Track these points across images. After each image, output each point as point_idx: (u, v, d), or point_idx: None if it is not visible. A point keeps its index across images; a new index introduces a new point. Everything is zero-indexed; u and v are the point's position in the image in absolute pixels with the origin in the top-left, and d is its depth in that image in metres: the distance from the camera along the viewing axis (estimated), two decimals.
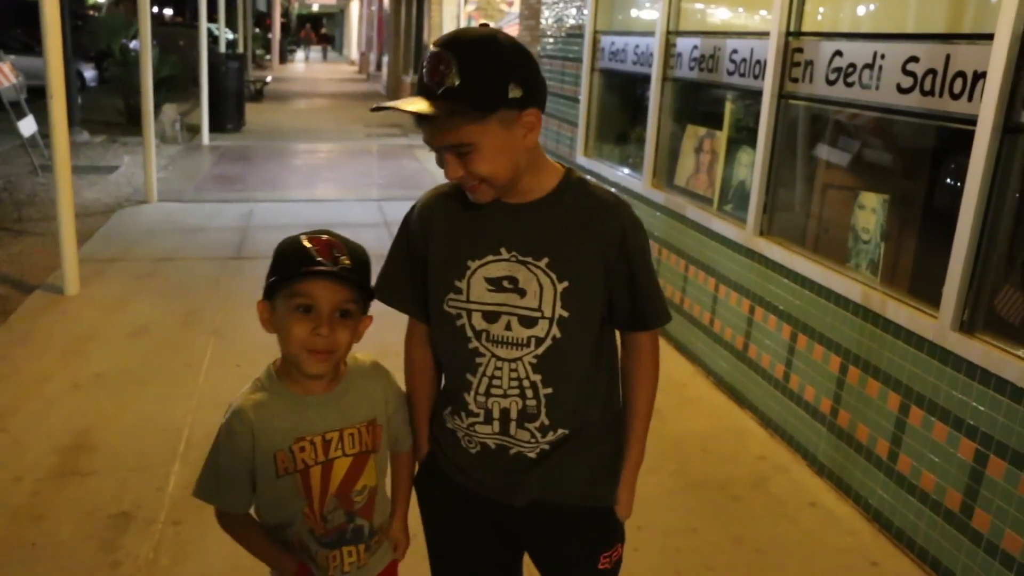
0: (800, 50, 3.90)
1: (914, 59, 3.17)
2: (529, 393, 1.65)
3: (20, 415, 3.98)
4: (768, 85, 4.08)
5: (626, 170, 6.21)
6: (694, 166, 5.21)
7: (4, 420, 3.91)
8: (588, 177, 1.73)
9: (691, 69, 5.03)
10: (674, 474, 3.65)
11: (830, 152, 4.01)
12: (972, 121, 2.89)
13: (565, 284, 1.61)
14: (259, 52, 25.70)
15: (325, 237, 1.65)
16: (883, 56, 3.33)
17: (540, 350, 1.63)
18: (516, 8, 14.37)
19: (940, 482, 3.03)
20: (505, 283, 1.62)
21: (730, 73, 4.58)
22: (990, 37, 2.81)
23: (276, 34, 34.94)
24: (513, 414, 1.67)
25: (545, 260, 1.61)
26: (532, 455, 1.69)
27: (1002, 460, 2.78)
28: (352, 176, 10.69)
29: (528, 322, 1.62)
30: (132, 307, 5.52)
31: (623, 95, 6.59)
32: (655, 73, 5.45)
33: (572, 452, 1.71)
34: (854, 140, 3.84)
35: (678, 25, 5.30)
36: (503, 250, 1.63)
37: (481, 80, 1.49)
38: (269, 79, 22.02)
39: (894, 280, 3.42)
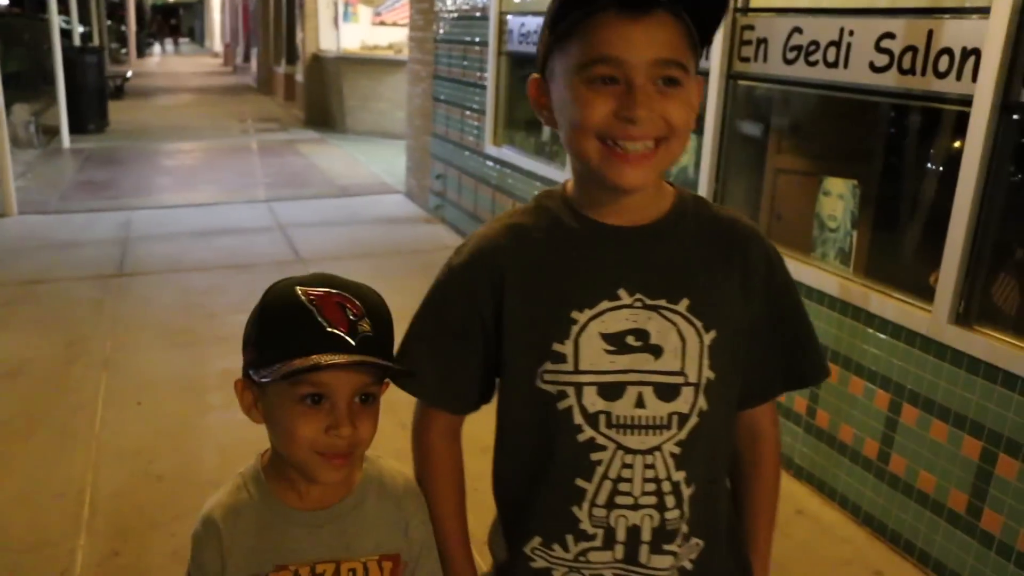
0: (751, 27, 3.67)
1: (889, 35, 2.97)
2: (670, 501, 1.20)
3: None
4: (715, 65, 3.82)
5: (543, 159, 5.91)
6: None
7: None
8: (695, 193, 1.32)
9: None
10: None
11: (785, 135, 3.81)
12: (963, 101, 2.71)
13: (713, 334, 1.18)
14: (114, 46, 24.19)
15: (335, 293, 1.19)
16: (852, 33, 3.12)
17: (684, 433, 1.18)
18: None
19: (941, 483, 2.86)
20: (631, 339, 1.17)
21: None
22: (984, 11, 2.63)
23: (131, 26, 33.08)
24: (645, 534, 1.20)
25: (685, 302, 1.18)
26: None
27: (1014, 459, 2.62)
28: (234, 176, 10.03)
29: (668, 392, 1.17)
30: (0, 343, 4.83)
31: None
32: None
33: None
34: (814, 122, 3.64)
35: None
36: (623, 292, 1.17)
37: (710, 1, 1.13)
38: (129, 74, 20.74)
39: (870, 271, 3.24)
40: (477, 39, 6.77)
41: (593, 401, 1.17)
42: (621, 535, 1.20)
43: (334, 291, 1.20)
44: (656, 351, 1.17)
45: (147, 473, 3.43)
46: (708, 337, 1.18)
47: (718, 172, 3.96)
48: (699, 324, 1.18)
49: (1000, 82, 2.58)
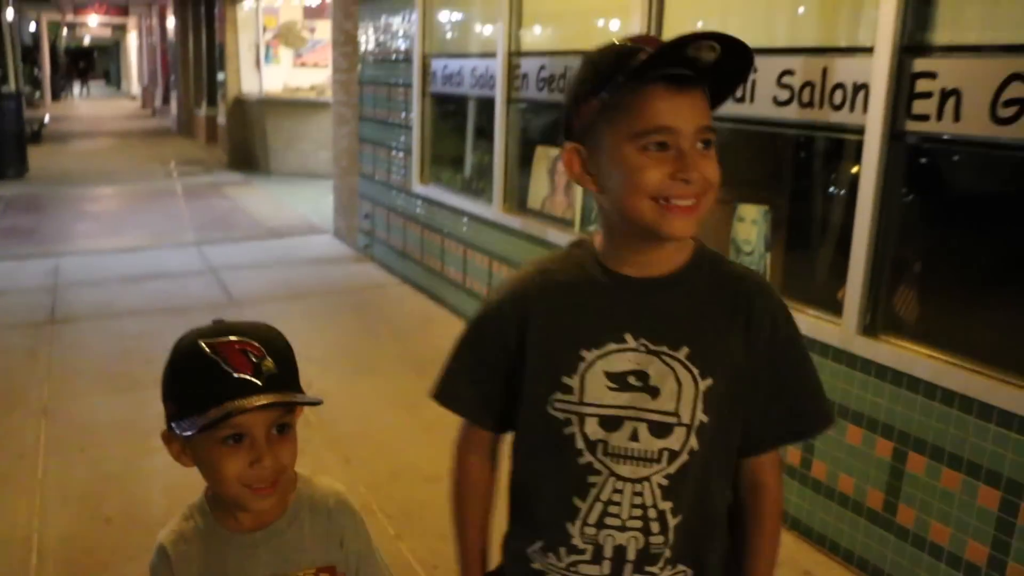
0: None
1: (789, 72, 3.23)
2: (655, 527, 1.31)
3: None
4: None
5: (470, 196, 6.08)
6: (549, 188, 5.15)
7: None
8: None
9: (539, 89, 4.97)
10: None
11: None
12: (857, 130, 2.96)
13: (709, 382, 1.30)
14: (27, 89, 23.73)
15: (234, 340, 1.29)
16: (755, 70, 3.37)
17: (672, 468, 1.30)
18: (318, 35, 14.04)
19: (859, 483, 3.07)
20: (632, 379, 1.30)
21: None
22: (868, 50, 2.89)
23: (46, 70, 32.46)
24: (631, 554, 1.32)
25: (684, 350, 1.30)
26: None
27: (921, 455, 2.85)
28: (161, 220, 9.98)
29: (661, 430, 1.30)
30: None
31: (460, 119, 6.47)
32: (499, 95, 5.36)
33: None
34: (725, 153, 3.88)
35: (520, 46, 5.23)
36: (628, 337, 1.31)
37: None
38: (47, 119, 20.38)
39: (784, 290, 3.47)
40: (401, 81, 6.94)
41: (594, 430, 1.31)
42: (608, 552, 1.33)
43: (234, 338, 1.29)
44: (654, 392, 1.30)
45: (94, 516, 3.46)
46: (704, 384, 1.30)
47: None
48: (696, 371, 1.30)
49: (887, 113, 2.84)
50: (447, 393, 1.48)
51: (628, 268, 1.34)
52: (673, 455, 1.30)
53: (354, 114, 8.13)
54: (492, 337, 1.42)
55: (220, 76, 15.76)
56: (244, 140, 14.95)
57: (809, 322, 3.20)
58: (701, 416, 1.30)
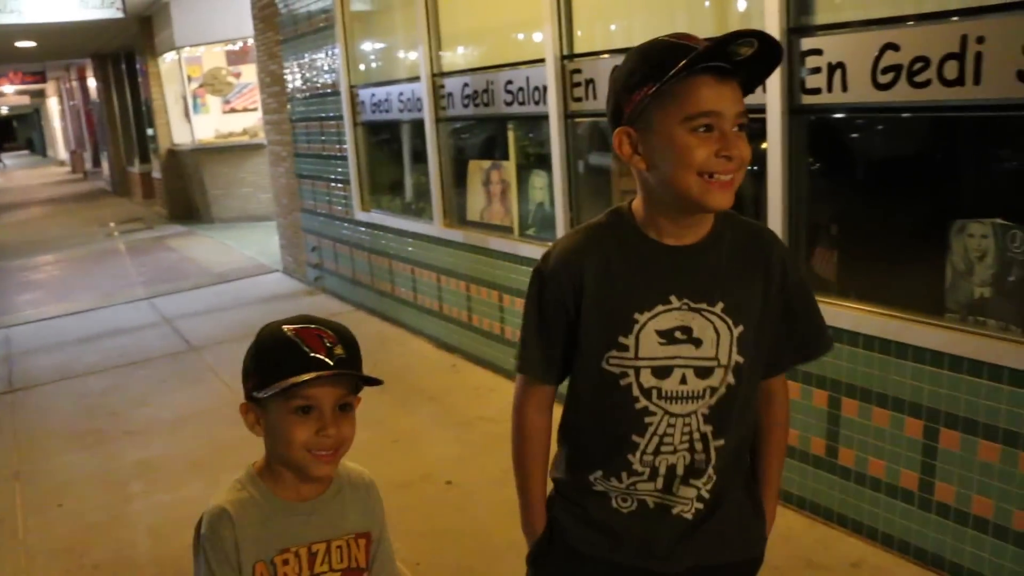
0: (579, 71, 4.14)
1: None
2: (699, 447, 1.56)
3: None
4: (553, 108, 4.29)
5: (411, 217, 6.27)
6: (485, 199, 5.36)
7: None
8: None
9: (465, 106, 5.18)
10: None
11: (622, 160, 4.26)
12: (759, 109, 3.20)
13: (741, 328, 1.53)
14: None
15: (313, 327, 1.51)
16: None
17: (714, 400, 1.54)
18: (244, 79, 14.11)
19: (803, 433, 3.30)
20: (678, 334, 1.52)
21: (508, 103, 4.76)
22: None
23: None
24: (680, 470, 1.57)
25: (720, 305, 1.52)
26: (689, 516, 1.59)
27: (853, 399, 3.09)
28: (109, 279, 10.00)
29: (704, 373, 1.53)
30: None
31: (393, 144, 6.65)
32: (427, 116, 5.55)
33: (724, 511, 1.61)
34: None
35: (441, 67, 5.44)
36: (673, 298, 1.52)
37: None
38: None
39: None
40: (332, 114, 7.11)
41: (647, 379, 1.53)
42: (662, 471, 1.57)
43: (312, 326, 1.52)
44: (697, 343, 1.53)
45: (82, 566, 3.56)
46: (737, 331, 1.53)
47: (571, 201, 4.40)
48: (730, 321, 1.53)
49: (784, 90, 3.09)
50: (527, 364, 1.67)
51: (667, 238, 1.54)
52: (714, 391, 1.54)
53: (289, 152, 8.28)
54: (552, 304, 1.61)
55: (150, 131, 15.75)
56: (182, 191, 14.96)
57: None
58: (737, 357, 1.54)
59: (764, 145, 3.28)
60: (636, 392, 1.54)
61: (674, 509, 1.59)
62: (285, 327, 1.50)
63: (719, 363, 1.53)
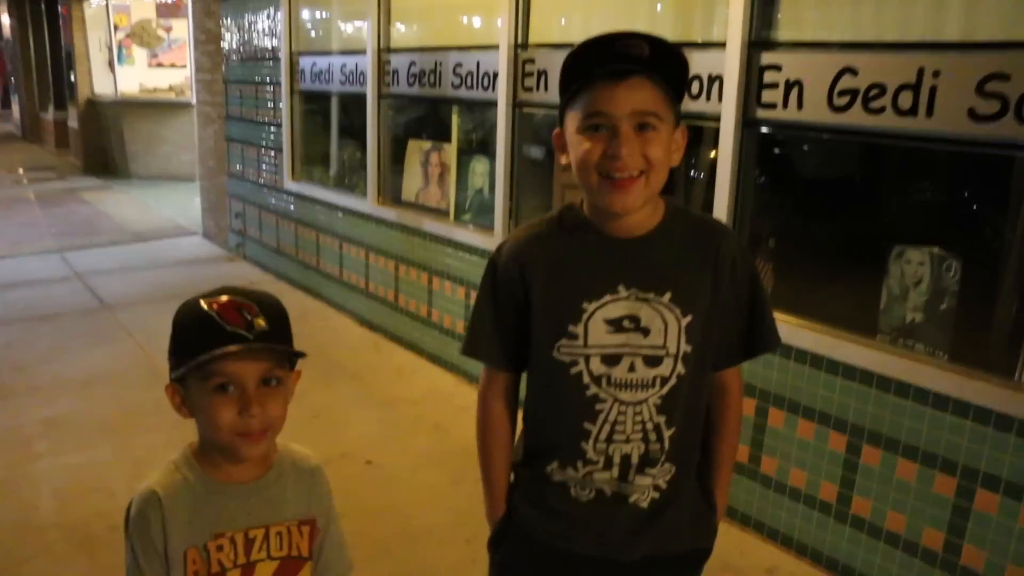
0: (532, 60, 4.12)
1: None
2: (652, 436, 1.59)
3: None
4: (502, 95, 4.26)
5: (344, 191, 6.16)
6: (422, 180, 5.30)
7: None
8: (684, 204, 1.68)
9: (410, 85, 5.11)
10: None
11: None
12: (713, 118, 3.24)
13: (688, 318, 1.55)
14: None
15: (227, 298, 1.41)
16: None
17: (665, 390, 1.57)
18: (175, 35, 13.67)
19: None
20: (626, 323, 1.55)
21: (455, 86, 4.71)
22: (721, 45, 3.18)
23: None
24: (635, 459, 1.60)
25: (668, 295, 1.54)
26: (644, 505, 1.62)
27: (780, 410, 3.16)
28: (16, 228, 9.55)
29: (653, 361, 1.55)
30: None
31: (330, 116, 6.52)
32: (370, 91, 5.46)
33: (679, 502, 1.65)
34: None
35: (389, 43, 5.35)
36: (621, 288, 1.55)
37: (675, 67, 1.48)
38: None
39: None
40: (269, 79, 6.93)
41: (597, 367, 1.56)
42: (617, 460, 1.59)
43: (232, 298, 1.42)
44: (645, 332, 1.55)
45: None
46: (685, 320, 1.55)
47: (511, 191, 4.39)
48: (678, 311, 1.55)
49: (740, 102, 3.14)
50: (472, 346, 1.71)
51: (614, 230, 1.56)
52: (664, 380, 1.57)
53: (219, 114, 8.04)
54: (504, 295, 1.65)
55: (71, 78, 15.12)
56: (99, 143, 14.40)
57: None
58: (685, 347, 1.56)
59: (713, 154, 3.33)
60: (586, 380, 1.57)
61: (631, 498, 1.62)
62: (203, 301, 1.41)
63: (667, 352, 1.55)
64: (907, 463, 2.79)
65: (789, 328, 3.09)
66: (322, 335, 5.71)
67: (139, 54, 14.00)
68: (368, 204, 5.69)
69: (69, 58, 14.80)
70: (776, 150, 3.38)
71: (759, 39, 3.13)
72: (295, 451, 1.60)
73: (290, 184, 6.79)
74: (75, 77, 14.54)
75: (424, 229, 5.12)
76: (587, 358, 1.56)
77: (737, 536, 3.32)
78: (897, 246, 2.89)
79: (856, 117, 2.81)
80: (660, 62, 1.44)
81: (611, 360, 1.55)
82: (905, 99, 2.66)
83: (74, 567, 3.13)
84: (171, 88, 13.79)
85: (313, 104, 6.65)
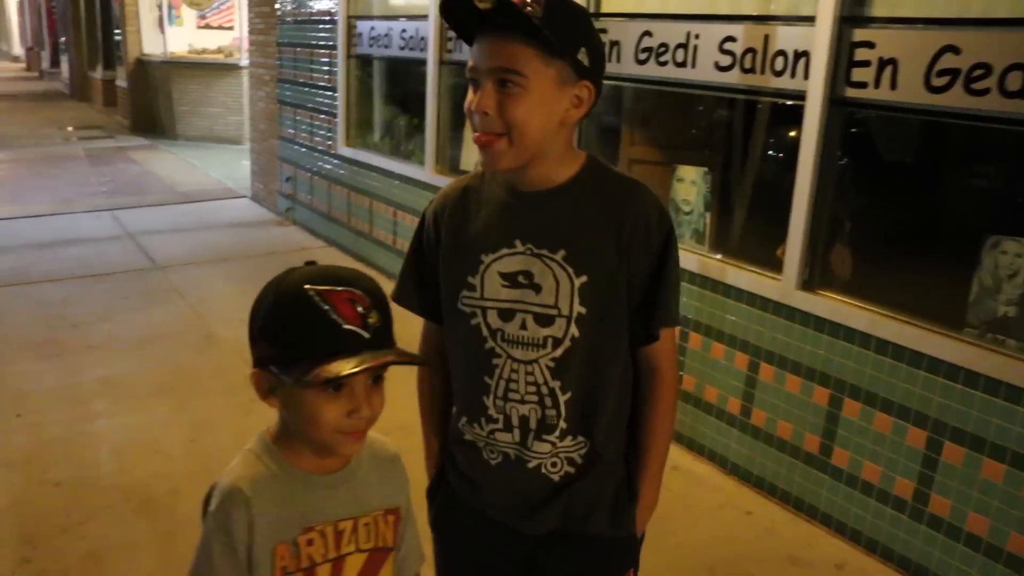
0: (604, 31, 4.01)
1: (731, 39, 3.36)
2: (548, 401, 1.55)
3: None
4: None
5: (399, 158, 6.10)
6: None
7: None
8: (609, 164, 1.62)
9: None
10: None
11: (637, 129, 4.17)
12: (798, 96, 3.12)
13: (583, 279, 1.50)
14: None
15: (344, 291, 1.26)
16: (698, 36, 3.50)
17: (558, 352, 1.52)
18: None
19: (797, 429, 3.28)
20: (520, 278, 1.52)
21: None
22: (810, 19, 3.05)
23: None
24: (532, 424, 1.56)
25: (561, 253, 1.50)
26: (555, 478, 1.58)
27: (856, 401, 3.06)
28: (67, 186, 9.61)
29: (544, 320, 1.51)
30: None
31: (387, 81, 6.45)
32: (431, 57, 5.38)
33: (595, 478, 1.60)
34: (665, 117, 4.02)
35: None
36: (518, 242, 1.52)
37: (562, 21, 1.41)
38: None
39: (724, 248, 3.64)
40: (324, 43, 6.86)
41: (493, 320, 1.54)
42: (515, 421, 1.57)
43: (340, 288, 1.27)
44: (537, 288, 1.52)
45: (43, 481, 3.41)
46: (579, 281, 1.50)
47: None
48: (571, 270, 1.50)
49: (828, 80, 3.01)
50: (399, 294, 1.68)
51: (521, 185, 1.54)
52: (557, 342, 1.53)
53: (273, 76, 8.00)
54: (424, 242, 1.65)
55: (118, 37, 15.16)
56: (147, 103, 14.44)
57: (750, 277, 3.38)
58: (579, 308, 1.51)
59: (795, 133, 3.21)
60: (484, 332, 1.55)
61: (530, 464, 1.58)
62: (308, 287, 1.26)
63: (559, 312, 1.51)
64: (994, 464, 2.68)
65: (870, 317, 2.99)
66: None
67: (188, 15, 13.99)
68: (425, 172, 5.62)
69: (120, 18, 14.81)
70: (862, 131, 3.25)
71: (851, 14, 2.99)
72: (373, 438, 1.46)
73: (344, 149, 6.73)
74: (124, 36, 14.57)
75: None
76: (484, 310, 1.55)
77: (804, 528, 3.23)
78: (992, 236, 2.77)
79: (956, 99, 2.67)
80: (549, 16, 1.38)
81: (505, 315, 1.54)
82: (1014, 80, 2.52)
83: (136, 528, 3.13)
84: (220, 50, 13.77)
85: (369, 69, 6.57)
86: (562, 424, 1.56)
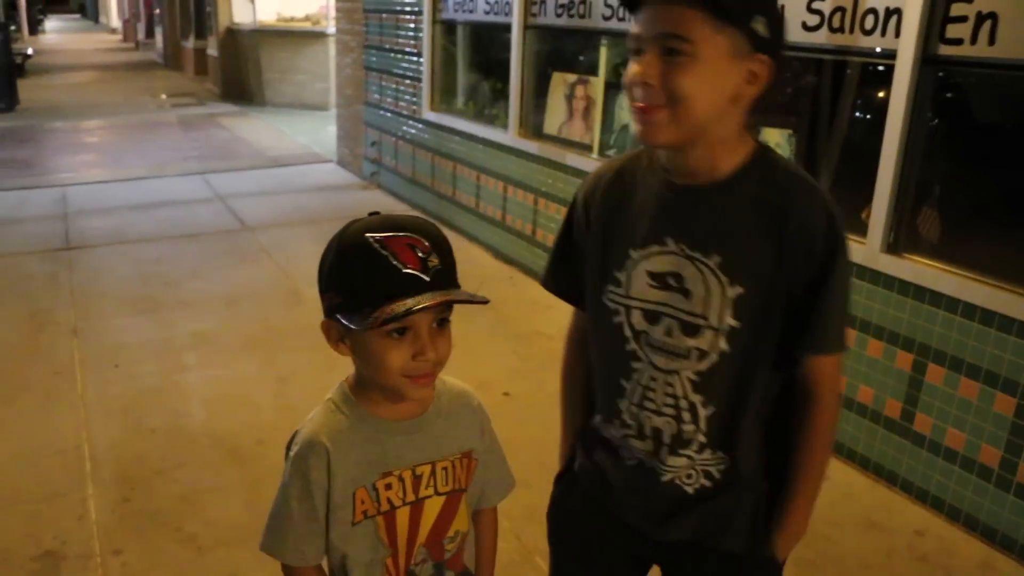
0: None
1: None
2: (686, 416, 1.43)
3: None
4: None
5: (483, 122, 6.14)
6: (566, 113, 5.22)
7: None
8: (783, 157, 1.43)
9: (558, 16, 5.00)
10: None
11: None
12: (888, 55, 3.04)
13: (738, 290, 1.34)
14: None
15: (402, 235, 1.29)
16: None
17: (703, 366, 1.39)
18: None
19: (878, 394, 3.23)
20: (670, 280, 1.39)
21: (606, 18, 4.59)
22: None
23: (22, 1, 31.72)
24: (666, 437, 1.45)
25: (716, 259, 1.35)
26: (690, 490, 1.47)
27: (941, 366, 3.00)
28: (160, 151, 9.95)
29: (690, 329, 1.38)
30: None
31: (472, 46, 6.48)
32: (516, 21, 5.38)
33: (735, 496, 1.47)
34: None
35: None
36: (670, 241, 1.38)
37: None
38: (30, 51, 20.01)
39: None
40: (410, 8, 6.92)
41: (638, 321, 1.43)
42: (648, 432, 1.47)
43: (401, 234, 1.29)
44: (686, 293, 1.38)
45: (139, 428, 3.59)
46: (732, 292, 1.35)
47: None
48: (724, 279, 1.35)
49: (920, 37, 2.92)
50: (547, 279, 1.64)
51: (678, 177, 1.40)
52: (702, 354, 1.39)
53: (359, 42, 8.10)
54: (575, 227, 1.56)
55: (208, 8, 15.51)
56: (237, 71, 14.80)
57: None
58: (731, 321, 1.36)
59: (884, 93, 3.13)
60: (627, 332, 1.45)
61: (663, 477, 1.47)
62: (368, 235, 1.28)
63: (707, 323, 1.37)
64: None
65: (958, 281, 2.92)
66: (457, 267, 5.74)
67: None
68: (509, 136, 5.65)
69: None
70: (955, 90, 3.15)
71: None
72: (448, 383, 1.52)
73: (428, 114, 6.81)
74: (215, 6, 14.91)
75: (566, 163, 5.05)
76: (628, 309, 1.44)
77: (883, 494, 3.19)
78: None
79: None
80: None
81: (651, 317, 1.42)
82: None
83: (225, 474, 3.27)
84: (307, 18, 13.99)
85: (454, 33, 6.61)
86: (701, 438, 1.44)
